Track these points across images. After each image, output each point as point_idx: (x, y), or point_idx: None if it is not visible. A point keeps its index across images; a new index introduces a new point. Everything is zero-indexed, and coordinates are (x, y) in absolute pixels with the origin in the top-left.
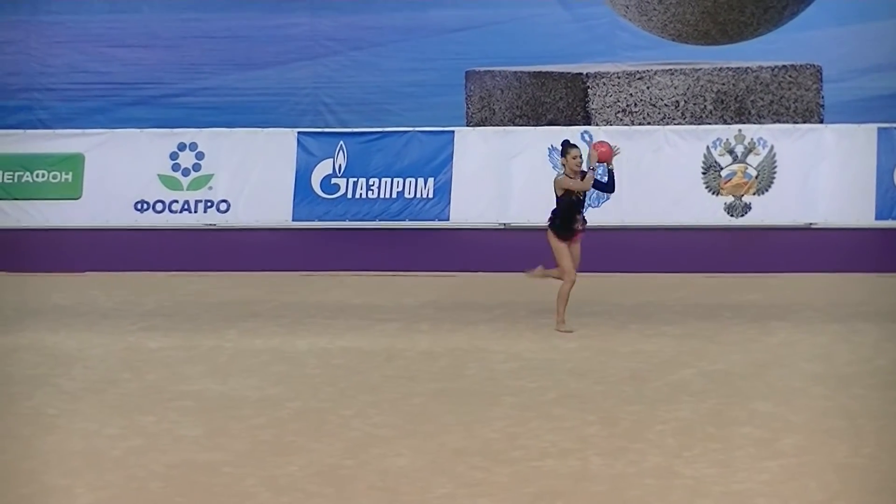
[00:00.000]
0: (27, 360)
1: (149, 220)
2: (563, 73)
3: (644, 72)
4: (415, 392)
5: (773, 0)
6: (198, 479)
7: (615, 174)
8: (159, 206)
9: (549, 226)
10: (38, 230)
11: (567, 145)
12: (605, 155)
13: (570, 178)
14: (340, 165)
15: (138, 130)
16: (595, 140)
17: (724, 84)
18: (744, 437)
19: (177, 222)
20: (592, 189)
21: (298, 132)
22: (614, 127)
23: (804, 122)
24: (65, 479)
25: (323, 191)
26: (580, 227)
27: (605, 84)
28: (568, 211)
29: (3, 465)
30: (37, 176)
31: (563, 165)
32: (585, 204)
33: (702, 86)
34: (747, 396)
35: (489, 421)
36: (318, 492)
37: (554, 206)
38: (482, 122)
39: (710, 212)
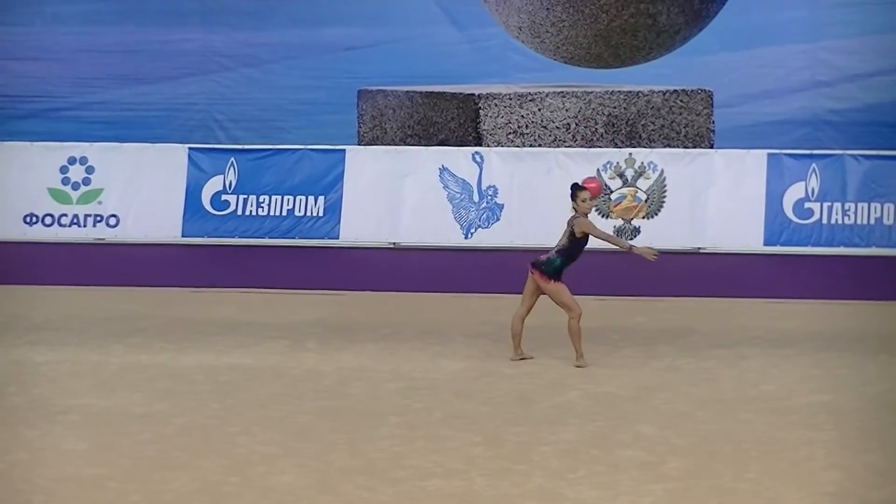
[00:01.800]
0: None
1: (38, 233)
2: (455, 93)
3: (536, 94)
4: (301, 410)
5: (665, 25)
6: (82, 494)
7: None
8: (48, 220)
9: (546, 268)
10: None
11: (576, 188)
12: (596, 190)
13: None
14: (231, 182)
15: (28, 143)
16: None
17: (615, 108)
18: (628, 459)
19: (66, 236)
20: (484, 209)
21: (189, 148)
22: (505, 148)
23: (694, 147)
24: None
25: (213, 207)
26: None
27: (496, 105)
28: (578, 251)
29: None
30: None
31: (575, 209)
32: (475, 224)
33: (593, 109)
34: (633, 419)
35: (375, 440)
36: None
37: (559, 247)
38: (374, 141)
39: None
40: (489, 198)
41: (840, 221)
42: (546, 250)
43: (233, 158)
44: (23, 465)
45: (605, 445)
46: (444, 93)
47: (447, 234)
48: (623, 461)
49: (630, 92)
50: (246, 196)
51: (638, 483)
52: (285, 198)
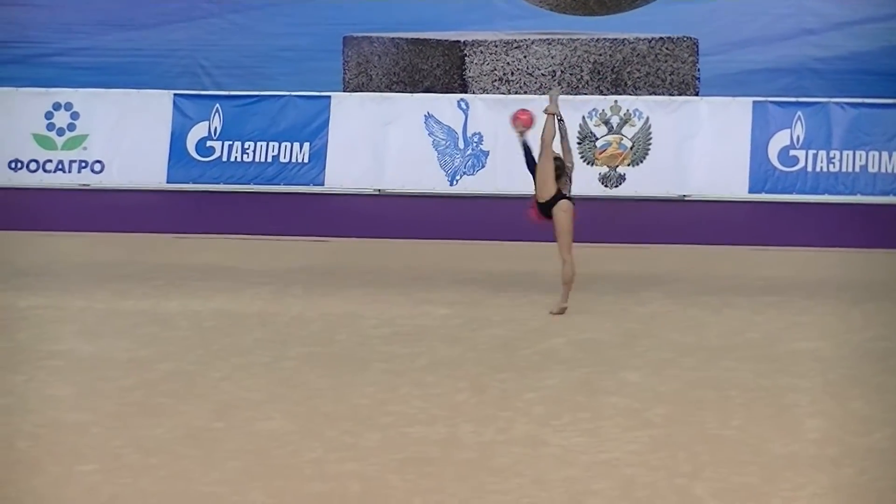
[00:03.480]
0: None
1: (22, 179)
2: (440, 40)
3: (521, 41)
4: (286, 356)
5: None
6: (66, 439)
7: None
8: (33, 166)
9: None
10: None
11: None
12: (527, 122)
13: None
14: (216, 128)
15: (13, 89)
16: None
17: (600, 55)
18: (612, 406)
19: (51, 182)
20: (469, 157)
21: (174, 94)
22: (491, 95)
23: (680, 95)
24: None
25: (198, 153)
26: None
27: (482, 52)
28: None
29: None
30: None
31: None
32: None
33: (578, 56)
34: (617, 366)
35: (360, 386)
36: (186, 454)
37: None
38: (359, 88)
39: (584, 182)
40: (474, 145)
41: (825, 169)
42: (530, 197)
43: (218, 105)
44: (7, 409)
45: (590, 392)
46: (430, 39)
47: (432, 180)
48: (607, 408)
49: (615, 39)
50: (231, 142)
51: (622, 430)
52: (270, 144)
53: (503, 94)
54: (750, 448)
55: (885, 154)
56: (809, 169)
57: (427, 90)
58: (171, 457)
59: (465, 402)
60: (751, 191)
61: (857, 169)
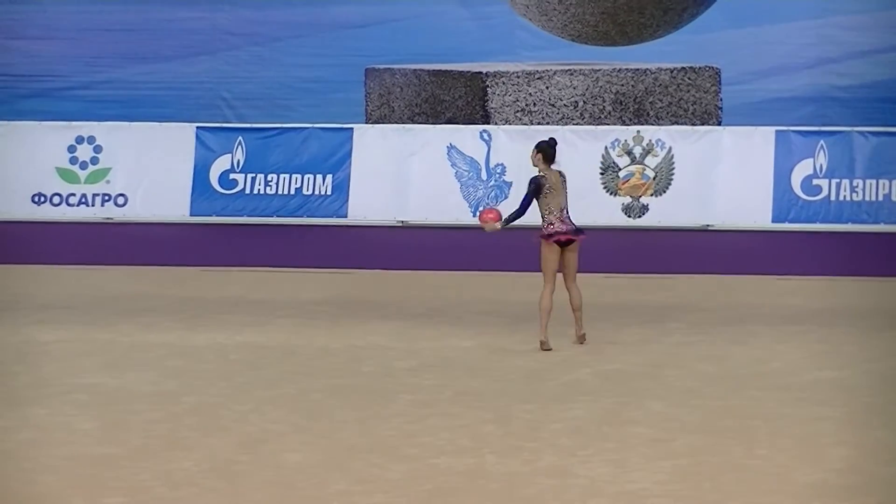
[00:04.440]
0: None
1: (46, 213)
2: (462, 71)
3: (543, 72)
4: (311, 388)
5: (672, 2)
6: (91, 473)
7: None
8: (56, 199)
9: None
10: None
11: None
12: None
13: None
14: (239, 161)
15: (36, 123)
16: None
17: (623, 85)
18: (638, 436)
19: (74, 215)
20: (492, 187)
21: (197, 127)
22: (513, 126)
23: (702, 124)
24: None
25: (221, 186)
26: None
27: (504, 83)
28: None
29: None
30: None
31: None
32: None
33: (601, 86)
34: (642, 396)
35: (385, 418)
36: (212, 487)
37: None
38: (381, 120)
39: (607, 212)
40: (497, 176)
41: (848, 198)
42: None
43: (240, 137)
44: (31, 444)
45: (615, 423)
46: (452, 71)
47: (455, 211)
48: (633, 438)
49: (638, 69)
50: (254, 175)
51: (648, 460)
52: (293, 176)
53: (525, 124)
54: (775, 477)
55: None
56: (832, 198)
57: (449, 121)
58: (198, 490)
59: (491, 434)
60: (774, 220)
61: (880, 198)
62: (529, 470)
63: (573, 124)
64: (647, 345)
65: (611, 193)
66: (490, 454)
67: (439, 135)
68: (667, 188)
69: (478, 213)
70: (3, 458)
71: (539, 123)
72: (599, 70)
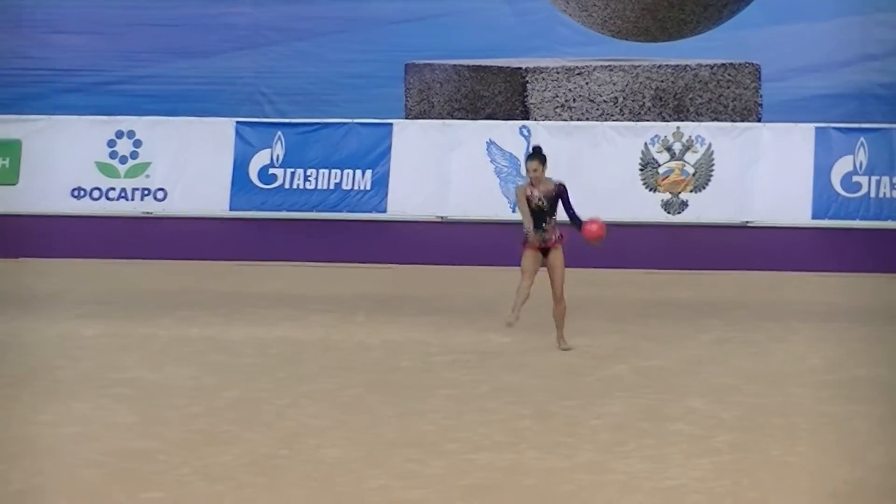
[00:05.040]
0: None
1: (86, 207)
2: (502, 67)
3: (583, 67)
4: (350, 383)
5: None
6: (131, 467)
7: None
8: (96, 194)
9: None
10: None
11: (527, 157)
12: (591, 234)
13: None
14: (278, 156)
15: (76, 117)
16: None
17: (662, 81)
18: (677, 433)
19: (114, 210)
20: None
21: (237, 122)
22: (553, 122)
23: (742, 121)
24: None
25: (260, 181)
26: (552, 238)
27: (543, 79)
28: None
29: None
30: None
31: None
32: None
33: (640, 82)
34: (681, 393)
35: (424, 413)
36: (251, 481)
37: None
38: (421, 115)
39: (647, 208)
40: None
41: (888, 195)
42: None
43: (280, 132)
44: (72, 438)
45: (654, 419)
46: (492, 66)
47: (494, 207)
48: (672, 435)
49: (677, 65)
50: (293, 170)
51: (687, 457)
52: (332, 171)
53: (565, 120)
54: (814, 475)
55: None
56: (873, 195)
57: (489, 117)
58: (237, 484)
59: (530, 429)
60: (814, 217)
61: None
62: (567, 466)
63: (613, 120)
64: (686, 341)
65: (650, 190)
66: (528, 450)
67: (479, 130)
68: (706, 184)
69: (584, 230)
70: (45, 452)
71: (578, 119)
72: (639, 66)
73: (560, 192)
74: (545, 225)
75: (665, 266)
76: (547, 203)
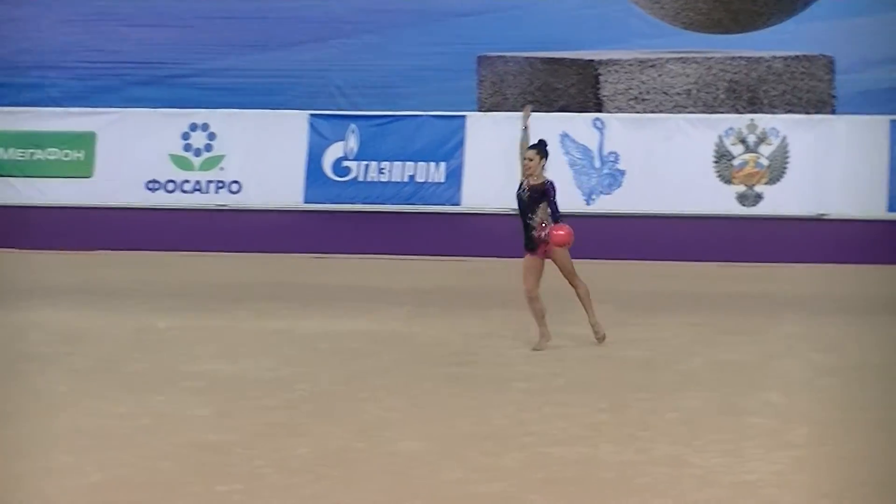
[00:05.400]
0: (38, 337)
1: (160, 199)
2: (575, 59)
3: (656, 59)
4: (425, 376)
5: None
6: (207, 459)
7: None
8: (171, 186)
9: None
10: (49, 208)
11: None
12: (557, 239)
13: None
14: (352, 148)
15: (150, 110)
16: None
17: (736, 73)
18: (754, 427)
19: (188, 202)
20: (605, 175)
21: (310, 114)
22: (626, 114)
23: (816, 113)
24: (74, 457)
25: (334, 173)
26: (539, 235)
27: (616, 71)
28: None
29: (14, 442)
30: (49, 154)
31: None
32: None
33: (714, 74)
34: (757, 386)
35: (499, 406)
36: (327, 474)
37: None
38: (494, 108)
39: (721, 201)
40: (610, 164)
41: None
42: (667, 217)
43: (354, 125)
44: (148, 430)
45: (730, 412)
46: (564, 59)
47: (568, 200)
48: (748, 428)
49: (751, 57)
50: (367, 162)
51: (764, 450)
52: (406, 164)
53: (638, 112)
54: (892, 469)
55: None
56: None
57: (562, 109)
58: (313, 477)
59: (605, 422)
60: (890, 209)
61: None
62: (644, 459)
63: (686, 112)
64: (762, 334)
65: (725, 182)
66: (604, 443)
67: (552, 123)
68: (781, 177)
69: (549, 235)
70: (122, 444)
71: (652, 111)
72: (712, 58)
73: (546, 190)
74: (529, 221)
75: (739, 259)
76: (528, 197)
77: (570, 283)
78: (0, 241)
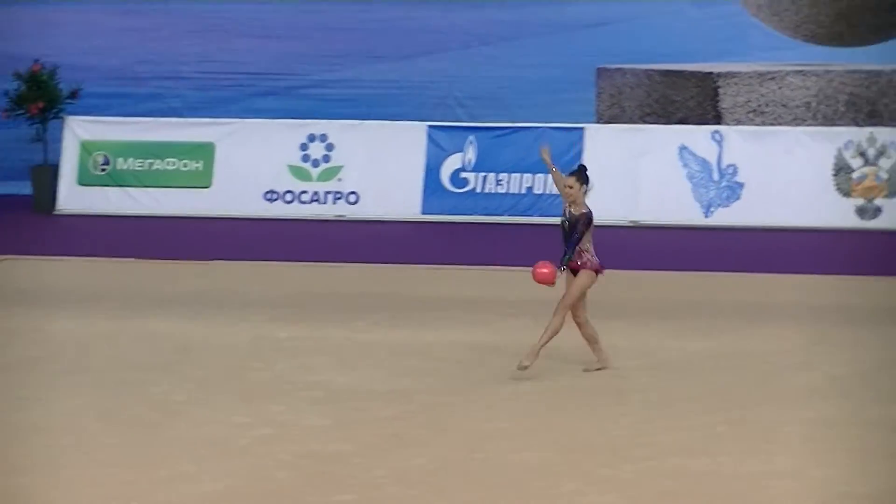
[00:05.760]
0: (157, 347)
1: (278, 210)
2: (693, 71)
3: (776, 72)
4: (542, 387)
5: None
6: (324, 470)
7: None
8: (288, 197)
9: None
10: (168, 218)
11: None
12: (539, 276)
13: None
14: (470, 160)
15: (269, 121)
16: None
17: (856, 86)
18: (877, 439)
19: (306, 213)
20: (724, 188)
21: (428, 125)
22: (745, 127)
23: None
24: (192, 466)
25: (452, 184)
26: (576, 262)
27: (736, 84)
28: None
29: (133, 451)
30: (167, 164)
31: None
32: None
33: (834, 87)
34: (878, 399)
35: (617, 418)
36: (444, 485)
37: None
38: (612, 119)
39: (840, 214)
40: (729, 176)
41: None
42: (785, 230)
43: (472, 136)
44: (266, 440)
45: (852, 424)
46: (683, 71)
47: (687, 212)
48: (871, 440)
49: (871, 71)
50: (485, 174)
51: (890, 463)
52: (524, 175)
53: (757, 125)
54: None
55: None
56: None
57: (680, 122)
58: (429, 488)
59: (724, 435)
60: None
61: None
62: (764, 472)
63: (805, 125)
64: (884, 347)
65: (844, 195)
66: (723, 455)
67: (671, 135)
68: None
69: (537, 270)
70: (240, 454)
71: (771, 124)
72: (832, 71)
73: (576, 220)
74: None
75: (858, 272)
76: (569, 226)
77: (573, 316)
78: (118, 252)
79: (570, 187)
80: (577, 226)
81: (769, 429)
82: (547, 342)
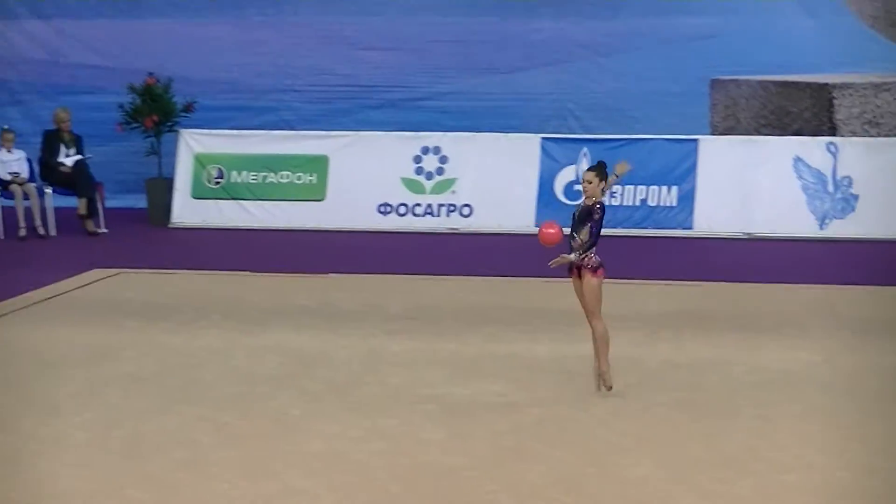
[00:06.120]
0: (271, 360)
1: (392, 222)
2: (808, 82)
3: (891, 83)
4: (655, 401)
5: None
6: (439, 483)
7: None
8: (402, 209)
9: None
10: (282, 231)
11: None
12: (544, 237)
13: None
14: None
15: (382, 133)
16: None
17: None
18: None
19: (419, 225)
20: (839, 200)
21: (542, 137)
22: (861, 138)
23: None
24: (306, 481)
25: (566, 197)
26: (580, 260)
27: (851, 95)
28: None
29: (246, 464)
30: (281, 177)
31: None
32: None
33: None
34: None
35: (730, 433)
36: (558, 499)
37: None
38: (727, 131)
39: None
40: (844, 188)
41: None
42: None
43: (585, 148)
44: (381, 453)
45: None
46: (798, 82)
47: (802, 224)
48: None
49: None
50: None
51: None
52: (638, 188)
53: (873, 136)
54: None
55: None
56: None
57: (796, 133)
58: (544, 502)
59: (841, 450)
60: None
61: None
62: (886, 490)
63: None
64: None
65: None
66: (841, 471)
67: (785, 146)
68: None
69: (543, 231)
70: (355, 467)
71: (887, 135)
72: None
73: (590, 211)
74: (571, 241)
75: None
76: (577, 217)
77: (588, 319)
78: (232, 264)
79: (590, 182)
80: (593, 214)
81: (890, 445)
82: (607, 352)
